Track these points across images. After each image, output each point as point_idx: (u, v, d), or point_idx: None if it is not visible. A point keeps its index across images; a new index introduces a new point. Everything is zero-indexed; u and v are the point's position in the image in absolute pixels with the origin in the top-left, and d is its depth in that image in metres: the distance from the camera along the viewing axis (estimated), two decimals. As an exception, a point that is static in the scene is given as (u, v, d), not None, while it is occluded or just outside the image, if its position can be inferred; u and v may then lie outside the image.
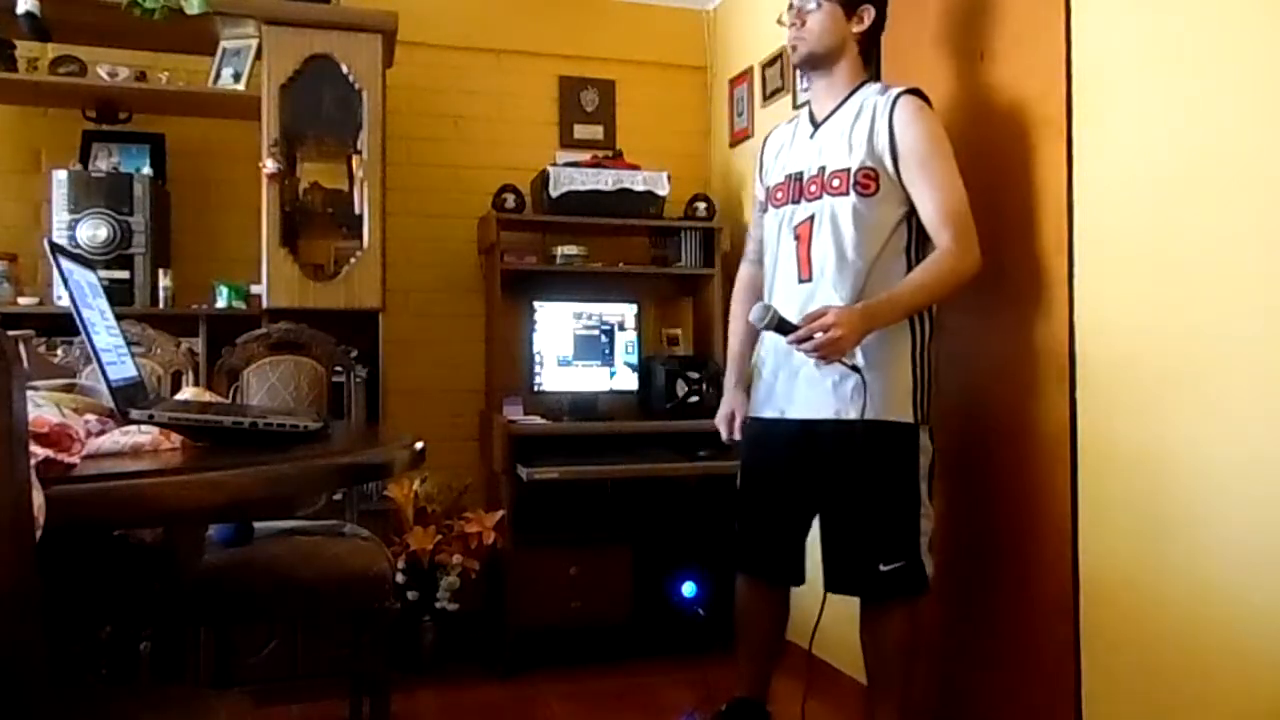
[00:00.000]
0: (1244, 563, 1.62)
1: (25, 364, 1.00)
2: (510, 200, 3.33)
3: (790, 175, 2.15)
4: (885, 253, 2.03)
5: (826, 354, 1.88)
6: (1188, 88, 1.73)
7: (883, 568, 2.00)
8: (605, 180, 3.34)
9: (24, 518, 0.81)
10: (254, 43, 2.96)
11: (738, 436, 2.32)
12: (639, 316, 3.45)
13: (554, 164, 3.38)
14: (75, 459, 0.93)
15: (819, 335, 1.86)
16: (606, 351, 3.40)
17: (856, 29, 2.09)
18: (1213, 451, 1.67)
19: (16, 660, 0.82)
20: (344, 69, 2.96)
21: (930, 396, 2.06)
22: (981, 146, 2.23)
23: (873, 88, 2.09)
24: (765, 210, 2.25)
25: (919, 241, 2.05)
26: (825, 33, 2.06)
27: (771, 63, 3.31)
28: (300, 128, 3.00)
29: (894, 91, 2.03)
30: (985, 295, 2.22)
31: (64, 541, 1.24)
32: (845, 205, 2.02)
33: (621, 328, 3.42)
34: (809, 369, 2.02)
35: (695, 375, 3.32)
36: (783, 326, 1.91)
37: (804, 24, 2.08)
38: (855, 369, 1.94)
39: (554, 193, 3.28)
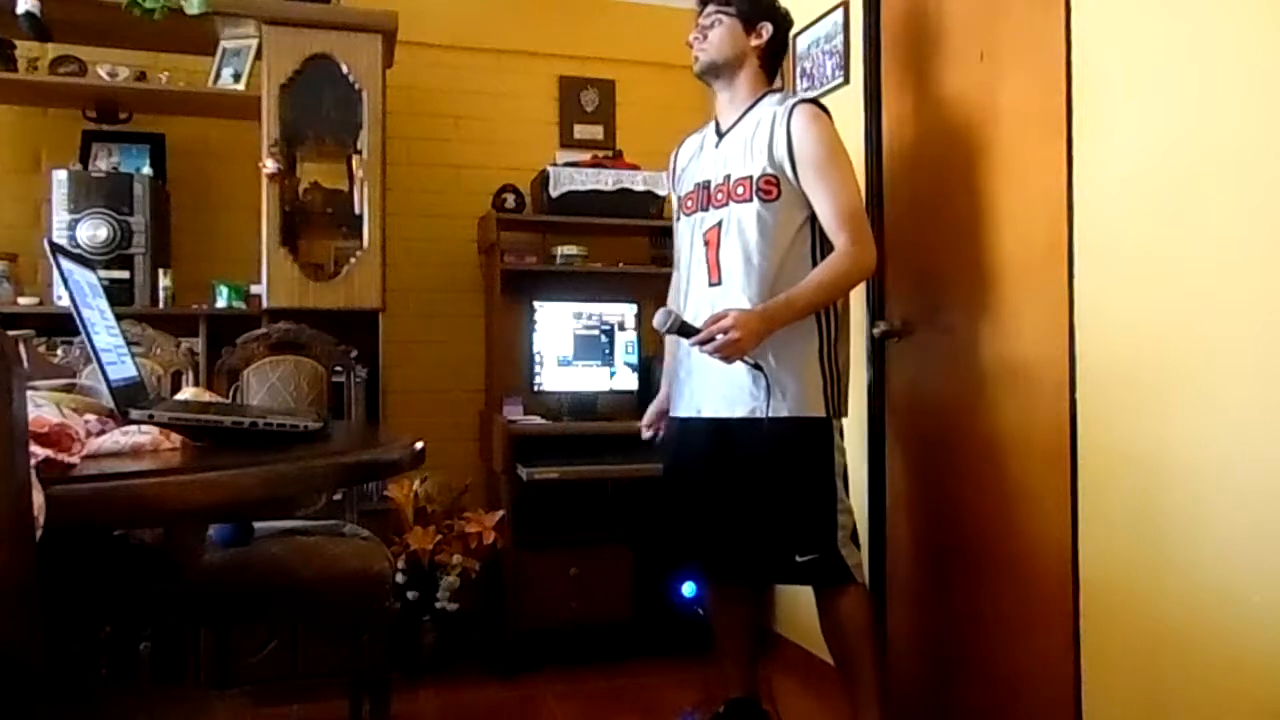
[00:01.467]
0: (1244, 563, 1.61)
1: (25, 364, 1.00)
2: (510, 200, 3.33)
3: (699, 184, 2.25)
4: (790, 256, 2.11)
5: (727, 354, 1.96)
6: (1188, 88, 1.73)
7: (799, 559, 2.06)
8: (605, 180, 3.34)
9: (24, 518, 0.81)
10: (254, 43, 2.96)
11: (660, 433, 2.38)
12: (639, 316, 3.45)
13: (554, 164, 3.38)
14: (75, 459, 0.93)
15: (719, 337, 1.94)
16: (606, 351, 3.40)
17: (755, 43, 2.20)
18: (1212, 452, 1.67)
19: (16, 660, 0.82)
20: (344, 69, 2.96)
21: (842, 392, 2.15)
22: (981, 146, 2.24)
23: (773, 98, 2.19)
24: (678, 218, 2.35)
25: (822, 244, 2.13)
26: (724, 45, 2.18)
27: (771, 63, 3.30)
28: (300, 128, 3.00)
29: (791, 101, 2.14)
30: (985, 296, 2.23)
31: (64, 541, 1.24)
32: (750, 211, 2.11)
33: (621, 328, 3.42)
34: (721, 369, 2.08)
35: (695, 375, 3.32)
36: (684, 330, 2.01)
37: (705, 38, 2.20)
38: (757, 367, 2.03)
39: (554, 193, 3.28)
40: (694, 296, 2.22)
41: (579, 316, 3.38)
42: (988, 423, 2.22)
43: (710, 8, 2.20)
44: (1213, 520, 1.67)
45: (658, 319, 2.01)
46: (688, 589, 3.27)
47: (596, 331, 3.39)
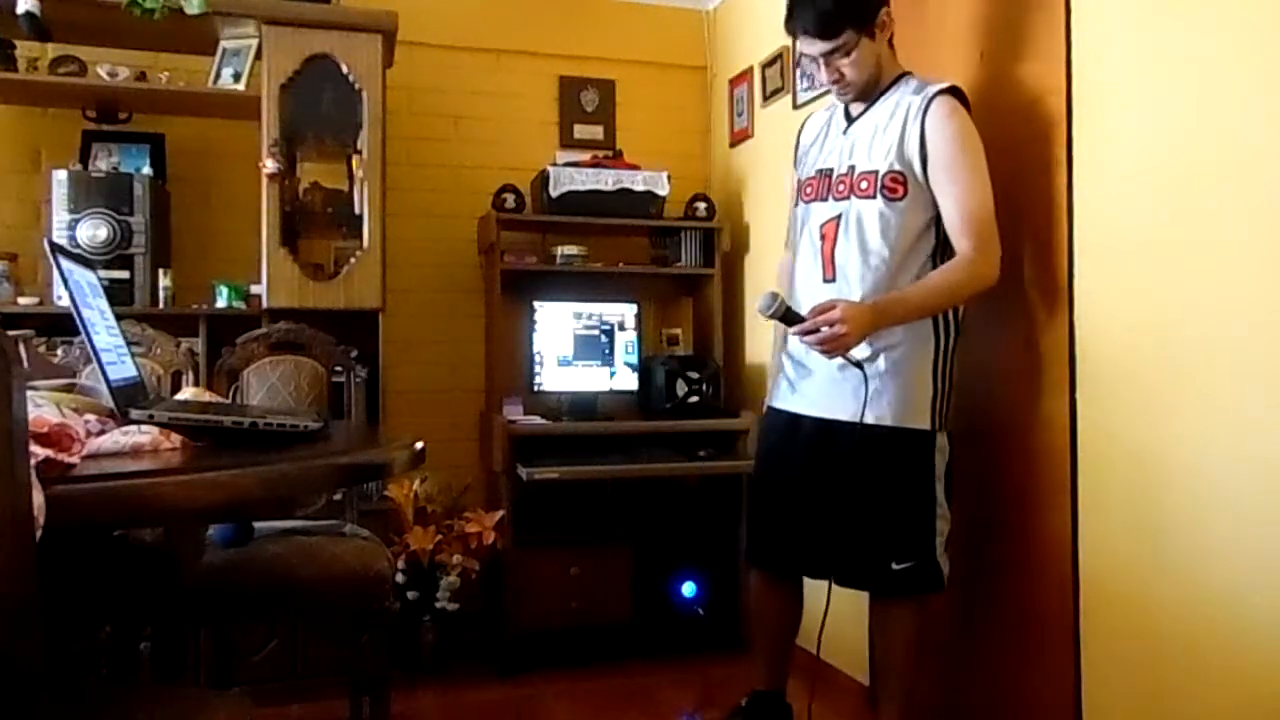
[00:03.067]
0: (1244, 562, 1.62)
1: (25, 364, 1.00)
2: (510, 200, 3.33)
3: (821, 171, 2.13)
4: (910, 258, 2.01)
5: (830, 349, 1.87)
6: (1187, 88, 1.73)
7: (894, 566, 2.00)
8: (605, 180, 3.34)
9: (24, 518, 0.81)
10: (254, 43, 2.95)
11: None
12: (639, 316, 3.45)
13: (554, 164, 3.38)
14: (75, 459, 0.93)
15: (824, 330, 1.84)
16: (606, 351, 3.40)
17: (884, 37, 2.05)
18: (1212, 451, 1.67)
19: (16, 660, 0.82)
20: (344, 69, 2.96)
21: (950, 403, 2.04)
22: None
23: (910, 84, 2.05)
24: (796, 203, 2.22)
25: (944, 248, 2.02)
26: (864, 68, 2.02)
27: (771, 63, 3.31)
28: (300, 128, 3.00)
29: (930, 90, 1.99)
30: (985, 295, 2.22)
31: (64, 541, 1.24)
32: (871, 209, 2.01)
33: (621, 328, 3.42)
34: (829, 369, 2.02)
35: (695, 375, 3.32)
36: (788, 317, 1.90)
37: (842, 75, 2.03)
38: (859, 365, 1.93)
39: (554, 193, 3.28)
40: (805, 290, 2.11)
41: (579, 316, 3.38)
42: (988, 422, 2.22)
43: (825, 45, 1.98)
44: (1213, 519, 1.67)
45: (761, 302, 1.89)
46: (688, 589, 3.28)
47: (596, 331, 3.39)
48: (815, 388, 2.08)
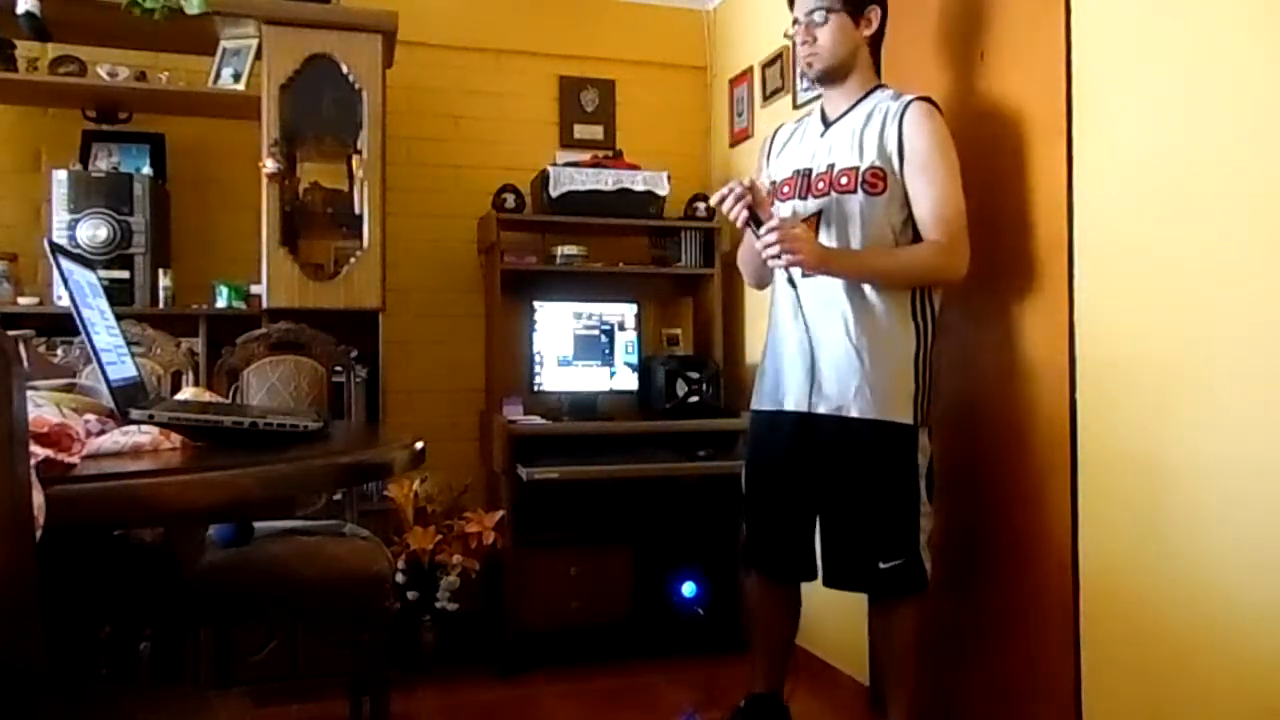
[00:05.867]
0: (1244, 563, 1.62)
1: (25, 364, 1.00)
2: (510, 200, 3.33)
3: (798, 170, 2.17)
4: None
5: (779, 253, 1.92)
6: (1187, 88, 1.73)
7: (882, 565, 2.01)
8: (605, 180, 3.34)
9: (24, 518, 0.81)
10: (254, 43, 2.95)
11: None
12: (639, 316, 3.45)
13: (554, 164, 3.38)
14: (75, 459, 0.93)
15: (785, 230, 1.92)
16: (606, 351, 3.40)
17: (866, 33, 2.11)
18: (1212, 451, 1.67)
19: (16, 659, 0.82)
20: (344, 69, 2.96)
21: (930, 399, 2.06)
22: (981, 146, 2.23)
23: (886, 93, 2.12)
24: (772, 204, 2.23)
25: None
26: (837, 45, 2.08)
27: (771, 63, 3.31)
28: (300, 128, 3.00)
29: (907, 98, 2.06)
30: (985, 296, 2.23)
31: (64, 541, 1.24)
32: (853, 202, 2.05)
33: (621, 328, 3.42)
34: (807, 363, 2.05)
35: (695, 375, 3.32)
36: (754, 218, 1.97)
37: (815, 40, 2.08)
38: (792, 284, 2.03)
39: (554, 193, 3.28)
40: (784, 283, 2.13)
41: (579, 316, 3.37)
42: (988, 423, 2.22)
43: (812, 3, 2.06)
44: (1213, 520, 1.67)
45: (724, 190, 1.97)
46: (688, 589, 3.28)
47: (596, 331, 3.39)
48: (795, 384, 2.11)
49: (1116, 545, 1.88)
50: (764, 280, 2.31)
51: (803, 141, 2.22)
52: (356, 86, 2.96)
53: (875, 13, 2.10)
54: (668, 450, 3.19)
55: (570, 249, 3.41)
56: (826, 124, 2.17)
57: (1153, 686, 1.78)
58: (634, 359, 3.42)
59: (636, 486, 3.26)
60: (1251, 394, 1.60)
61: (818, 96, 2.92)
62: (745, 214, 1.97)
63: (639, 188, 3.36)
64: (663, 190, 3.38)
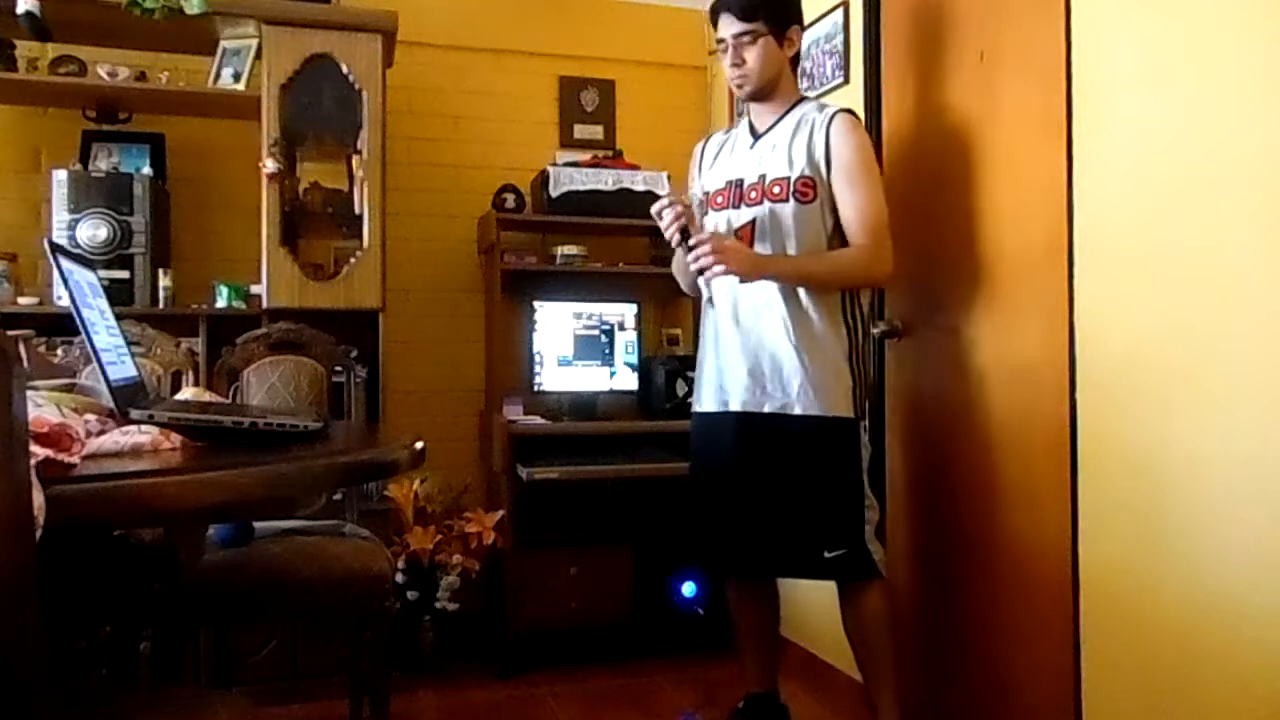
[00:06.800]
0: (1244, 563, 1.61)
1: (25, 364, 1.00)
2: (510, 200, 3.33)
3: (731, 181, 2.25)
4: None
5: (708, 264, 2.00)
6: (1188, 88, 1.73)
7: (827, 554, 2.10)
8: (605, 180, 3.34)
9: (24, 518, 0.81)
10: (254, 43, 2.96)
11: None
12: (639, 316, 3.45)
13: (554, 164, 3.38)
14: (75, 459, 0.93)
15: (715, 243, 2.01)
16: (606, 351, 3.40)
17: (789, 53, 2.21)
18: (1212, 451, 1.67)
19: (16, 659, 0.82)
20: (344, 69, 2.96)
21: (865, 394, 2.18)
22: (981, 147, 2.24)
23: (810, 104, 2.23)
24: (705, 213, 2.32)
25: None
26: (765, 66, 2.17)
27: (771, 63, 3.30)
28: (300, 128, 3.00)
29: (831, 110, 2.17)
30: (985, 296, 2.23)
31: (64, 541, 1.24)
32: (785, 210, 2.14)
33: (621, 328, 3.42)
34: (748, 364, 2.14)
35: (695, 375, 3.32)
36: (685, 232, 2.07)
37: (745, 62, 2.16)
38: (710, 301, 2.14)
39: (554, 193, 3.28)
40: (724, 290, 2.19)
41: (579, 316, 3.38)
42: (987, 423, 2.22)
43: (739, 25, 2.14)
44: (1213, 520, 1.67)
45: (661, 204, 2.08)
46: (688, 589, 3.28)
47: (596, 331, 3.39)
48: (737, 383, 2.17)
49: (1116, 545, 1.88)
50: (698, 289, 2.35)
51: (733, 153, 2.30)
52: (356, 86, 2.96)
53: (797, 33, 2.21)
54: (668, 450, 3.18)
55: (570, 249, 3.42)
56: (755, 136, 2.25)
57: (1153, 687, 1.78)
58: (634, 359, 3.42)
59: (636, 486, 3.26)
60: (1252, 394, 1.60)
61: (817, 96, 2.93)
62: (679, 235, 2.08)
63: (639, 187, 3.36)
64: (663, 190, 3.38)
